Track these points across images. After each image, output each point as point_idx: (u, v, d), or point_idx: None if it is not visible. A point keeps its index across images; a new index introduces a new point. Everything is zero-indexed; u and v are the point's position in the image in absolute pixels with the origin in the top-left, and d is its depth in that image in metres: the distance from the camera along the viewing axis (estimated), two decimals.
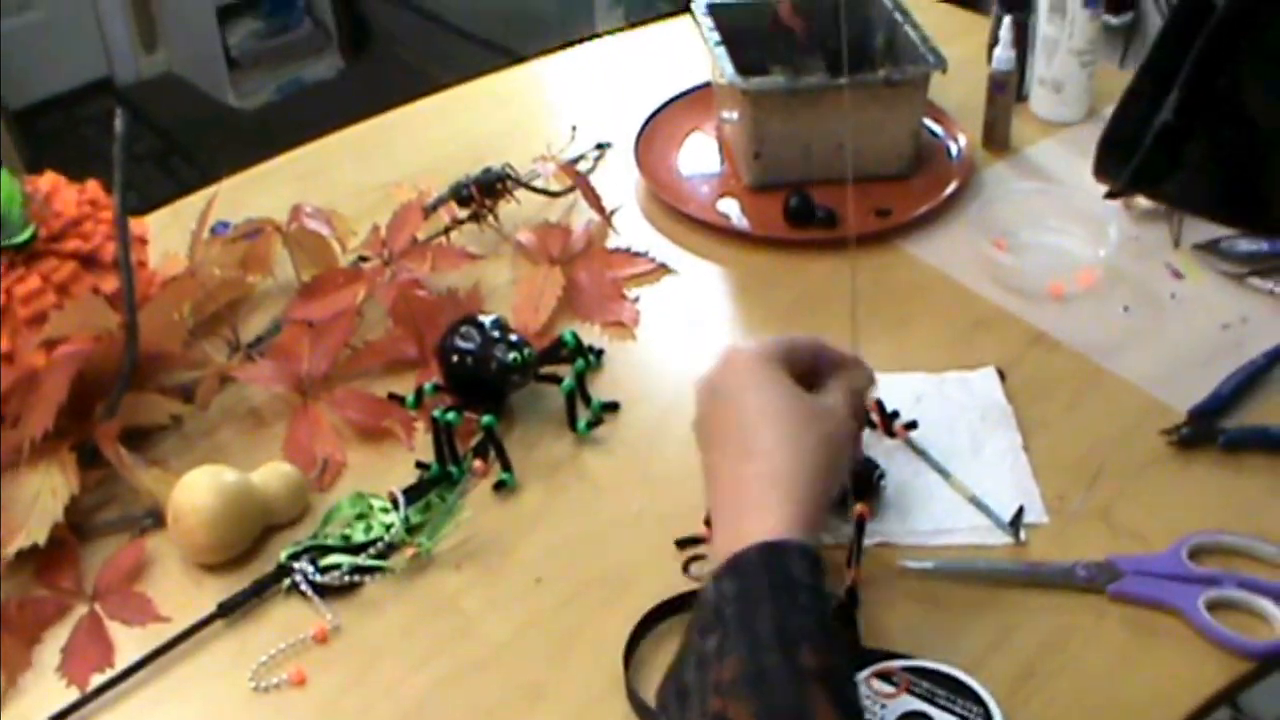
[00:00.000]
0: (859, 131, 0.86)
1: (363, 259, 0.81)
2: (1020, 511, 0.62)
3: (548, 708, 0.55)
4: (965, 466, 0.65)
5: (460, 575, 0.61)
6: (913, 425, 0.67)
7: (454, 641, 0.58)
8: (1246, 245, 0.78)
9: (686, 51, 1.04)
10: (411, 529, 0.63)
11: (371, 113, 1.02)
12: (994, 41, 0.91)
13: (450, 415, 0.66)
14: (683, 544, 0.62)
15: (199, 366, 0.72)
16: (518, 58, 1.13)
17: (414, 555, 0.61)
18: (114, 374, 0.66)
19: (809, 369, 0.55)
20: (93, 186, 0.73)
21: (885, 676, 0.53)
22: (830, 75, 0.90)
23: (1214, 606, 0.56)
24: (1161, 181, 0.54)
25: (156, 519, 0.64)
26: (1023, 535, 0.61)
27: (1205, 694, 0.54)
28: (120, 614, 0.59)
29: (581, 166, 0.92)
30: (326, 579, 0.60)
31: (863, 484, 0.61)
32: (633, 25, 1.17)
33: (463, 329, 0.69)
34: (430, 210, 0.84)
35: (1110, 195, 0.85)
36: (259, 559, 0.62)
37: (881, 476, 0.63)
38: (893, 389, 0.69)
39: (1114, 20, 1.70)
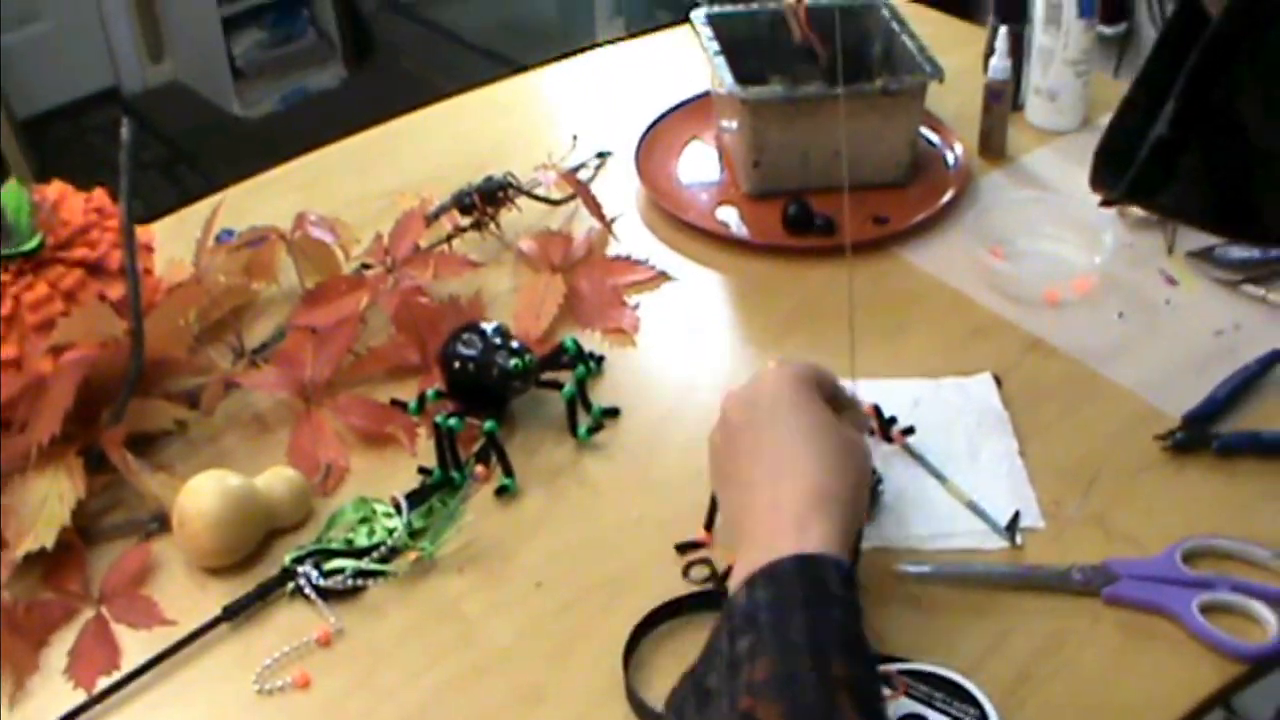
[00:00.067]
0: (857, 140, 0.87)
1: (366, 266, 0.82)
2: (1016, 516, 0.63)
3: (548, 711, 0.56)
4: (962, 471, 0.66)
5: (462, 579, 0.62)
6: (910, 431, 0.68)
7: (456, 645, 0.59)
8: (1239, 252, 0.79)
9: (686, 61, 1.05)
10: (414, 533, 0.64)
11: (374, 122, 1.03)
12: (990, 51, 0.92)
13: (452, 421, 0.67)
14: (682, 548, 0.62)
15: (204, 372, 0.73)
16: (519, 67, 1.14)
17: (416, 559, 0.62)
18: (120, 380, 0.66)
19: (828, 399, 0.57)
20: (99, 195, 0.74)
21: (883, 679, 0.54)
22: (828, 85, 0.91)
23: (1208, 609, 0.57)
24: (1157, 193, 0.55)
25: (162, 523, 0.64)
26: (1019, 539, 0.62)
27: (1199, 696, 0.54)
28: (126, 617, 0.60)
29: (582, 175, 0.92)
30: (330, 583, 0.61)
31: None
32: (633, 35, 1.18)
33: (465, 336, 0.70)
34: (433, 218, 0.85)
35: (1105, 204, 0.86)
36: (263, 563, 0.63)
37: (879, 482, 0.64)
38: (890, 395, 0.70)
39: (1108, 30, 1.72)
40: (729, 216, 0.88)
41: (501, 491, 0.66)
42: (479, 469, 0.67)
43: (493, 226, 0.86)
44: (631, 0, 2.41)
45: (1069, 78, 0.93)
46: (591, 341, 0.77)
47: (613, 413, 0.71)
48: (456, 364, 0.70)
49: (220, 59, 2.45)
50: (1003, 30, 0.91)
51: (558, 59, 1.13)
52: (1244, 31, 0.49)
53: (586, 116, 1.02)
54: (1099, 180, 0.58)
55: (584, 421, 0.70)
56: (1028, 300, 0.78)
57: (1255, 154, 0.52)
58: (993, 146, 0.93)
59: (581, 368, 0.71)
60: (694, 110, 0.98)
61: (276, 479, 0.65)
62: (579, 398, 0.71)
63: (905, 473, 0.66)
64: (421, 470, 0.68)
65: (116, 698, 0.57)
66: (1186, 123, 0.51)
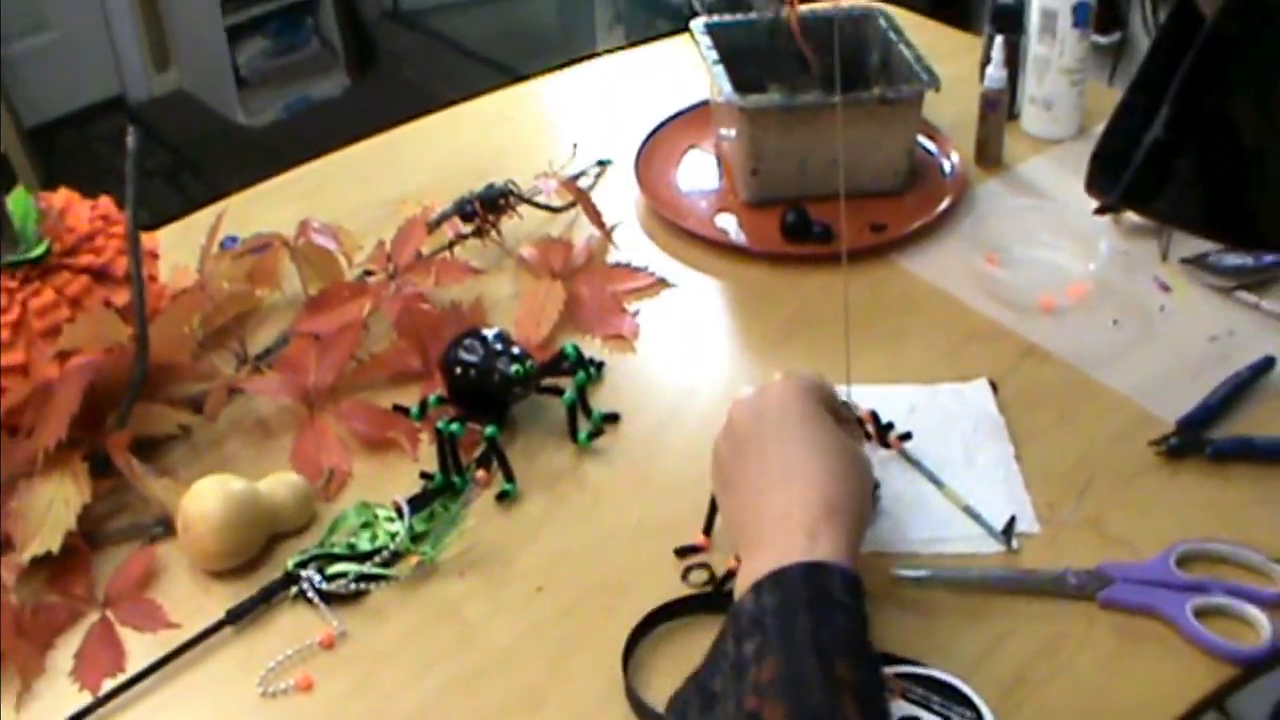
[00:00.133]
0: (854, 148, 0.88)
1: (368, 273, 0.82)
2: (1012, 520, 0.63)
3: (548, 714, 0.56)
4: (958, 476, 0.66)
5: (463, 583, 0.62)
6: (907, 436, 0.69)
7: (457, 648, 0.59)
8: (1233, 259, 0.80)
9: (685, 70, 1.06)
10: (416, 538, 0.64)
11: (377, 130, 1.04)
12: (986, 61, 0.92)
13: (454, 426, 0.67)
14: (681, 553, 0.63)
15: (208, 378, 0.73)
16: (520, 76, 1.15)
17: (418, 563, 0.62)
18: (125, 385, 0.67)
19: (830, 411, 0.58)
20: (105, 202, 0.75)
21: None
22: (826, 93, 0.92)
23: (1202, 613, 0.57)
24: (1153, 199, 0.55)
25: (166, 527, 0.65)
26: (1015, 544, 0.62)
27: (1193, 699, 0.55)
28: (131, 620, 0.60)
29: (583, 183, 0.93)
30: (333, 586, 0.61)
31: None
32: (633, 44, 1.19)
33: (466, 342, 0.71)
34: (434, 225, 0.86)
35: (1100, 211, 0.86)
36: (266, 567, 0.63)
37: (876, 486, 0.64)
38: (887, 400, 0.70)
39: (1103, 40, 1.73)
40: (728, 224, 0.89)
41: (502, 496, 0.67)
42: (480, 474, 0.68)
43: (494, 234, 0.87)
44: (631, 9, 2.42)
45: (1064, 87, 0.94)
46: (592, 347, 0.78)
47: (613, 418, 0.72)
48: (458, 370, 0.70)
49: (225, 68, 2.47)
50: (998, 40, 0.92)
51: (558, 68, 1.14)
52: (1238, 33, 0.49)
53: (587, 125, 1.03)
54: (1094, 185, 0.58)
55: (584, 427, 0.71)
56: (1023, 307, 0.79)
57: (1249, 157, 0.52)
58: (989, 155, 0.94)
59: (582, 374, 0.72)
60: (693, 119, 0.99)
61: (280, 483, 0.65)
62: (579, 403, 0.71)
63: (902, 478, 0.66)
64: (423, 475, 0.68)
65: (121, 700, 0.57)
66: (1182, 126, 0.51)
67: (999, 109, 0.92)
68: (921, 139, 0.93)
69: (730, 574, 0.61)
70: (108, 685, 0.57)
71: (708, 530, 0.63)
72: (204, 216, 0.88)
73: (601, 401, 0.73)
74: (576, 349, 0.74)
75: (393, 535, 0.64)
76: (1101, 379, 0.73)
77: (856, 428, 0.63)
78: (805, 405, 0.57)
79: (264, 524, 0.64)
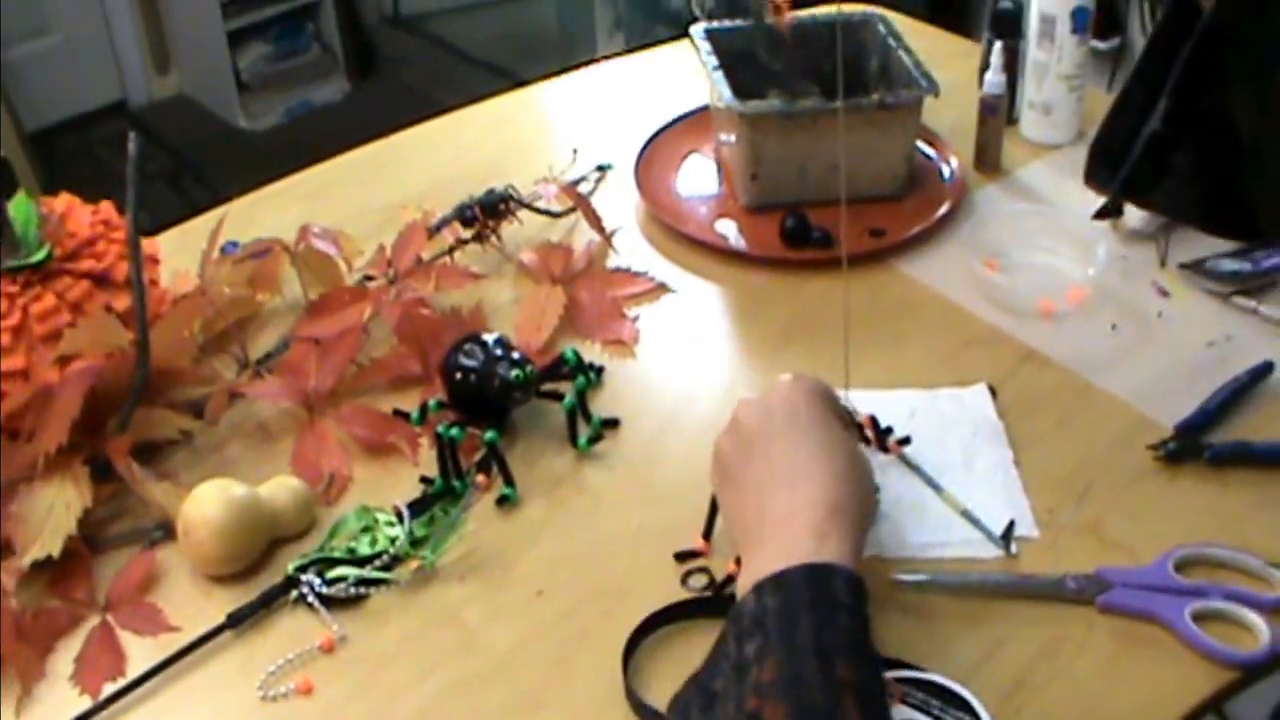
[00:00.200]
0: (854, 154, 0.88)
1: (368, 278, 0.83)
2: (1011, 525, 0.63)
3: (548, 717, 0.56)
4: (957, 481, 0.66)
5: (463, 587, 0.62)
6: (906, 441, 0.69)
7: (457, 652, 0.59)
8: (1231, 265, 0.80)
9: (685, 75, 1.06)
10: (416, 542, 0.64)
11: (377, 135, 1.04)
12: (985, 66, 0.93)
13: (454, 431, 0.67)
14: (681, 557, 0.63)
15: (208, 383, 0.74)
16: (520, 81, 1.15)
17: (418, 568, 0.62)
18: (126, 390, 0.67)
19: (834, 416, 0.58)
20: (106, 207, 0.75)
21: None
22: (825, 99, 0.92)
23: (1200, 617, 0.58)
24: (1150, 191, 0.55)
25: (167, 531, 0.65)
26: (1014, 548, 0.62)
27: (1192, 703, 0.55)
28: (131, 624, 0.61)
29: (583, 188, 0.93)
30: (333, 591, 0.61)
31: None
32: (633, 50, 1.19)
33: (466, 347, 0.71)
34: (435, 231, 0.86)
35: (1099, 215, 0.86)
36: (267, 571, 0.63)
37: (876, 491, 0.64)
38: (887, 405, 0.71)
39: (1101, 45, 1.73)
40: (727, 229, 0.89)
41: (502, 501, 0.67)
42: (480, 478, 0.68)
43: (494, 239, 0.87)
44: (631, 15, 2.43)
45: (1063, 92, 0.94)
46: (591, 352, 0.78)
47: (612, 423, 0.72)
48: (458, 374, 0.70)
49: (225, 72, 2.47)
50: (997, 45, 0.92)
51: (558, 73, 1.14)
52: (1235, 25, 0.49)
53: (587, 130, 1.03)
54: (1093, 176, 0.58)
55: (584, 432, 0.71)
56: (1022, 312, 0.79)
57: (1247, 151, 0.52)
58: (988, 160, 0.94)
59: (582, 378, 0.72)
60: (693, 124, 0.99)
61: (280, 488, 0.66)
62: (579, 408, 0.71)
63: (901, 482, 0.67)
64: (423, 480, 0.69)
65: (122, 704, 0.57)
66: (1180, 119, 0.52)
67: (998, 114, 0.92)
68: (920, 144, 0.93)
69: (730, 578, 0.61)
70: (108, 689, 0.57)
71: (707, 535, 0.63)
72: (205, 221, 0.89)
73: (601, 406, 0.73)
74: (576, 354, 0.74)
75: (393, 540, 0.64)
76: (1100, 384, 0.73)
77: (856, 432, 0.63)
78: (812, 407, 0.57)
79: (264, 528, 0.64)
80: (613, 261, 0.86)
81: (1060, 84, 0.94)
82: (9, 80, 2.23)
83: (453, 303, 0.81)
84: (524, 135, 1.04)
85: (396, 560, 0.63)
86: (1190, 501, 0.65)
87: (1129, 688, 0.56)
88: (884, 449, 0.68)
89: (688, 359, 0.78)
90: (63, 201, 0.74)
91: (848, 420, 0.61)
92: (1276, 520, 0.63)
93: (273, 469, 0.69)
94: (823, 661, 0.45)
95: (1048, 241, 0.84)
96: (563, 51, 2.53)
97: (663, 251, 0.88)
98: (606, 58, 1.18)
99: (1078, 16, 0.92)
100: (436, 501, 0.67)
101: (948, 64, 0.96)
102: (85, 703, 0.57)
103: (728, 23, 0.97)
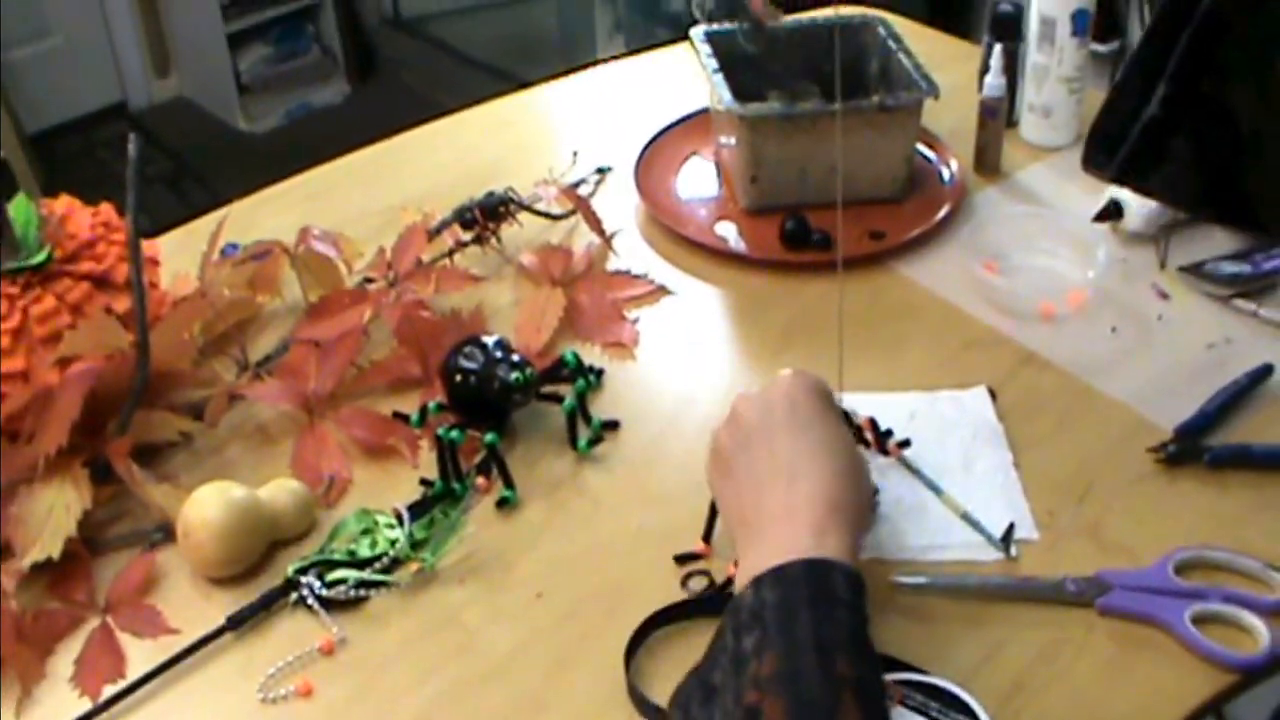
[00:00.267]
0: (854, 156, 0.88)
1: (368, 280, 0.83)
2: (1011, 528, 0.63)
3: (549, 719, 0.56)
4: (957, 483, 0.66)
5: (463, 590, 0.62)
6: (906, 444, 0.69)
7: (457, 654, 0.59)
8: (1230, 267, 0.80)
9: (685, 78, 1.06)
10: (416, 544, 0.64)
11: (377, 137, 1.04)
12: (985, 69, 0.93)
13: (454, 433, 0.67)
14: (681, 560, 0.63)
15: (208, 385, 0.74)
16: (521, 83, 1.15)
17: (418, 570, 0.62)
18: (126, 392, 0.67)
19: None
20: (106, 209, 0.75)
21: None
22: (826, 101, 0.92)
23: (1200, 620, 0.58)
24: (1149, 176, 0.55)
25: (167, 534, 0.65)
26: (1013, 551, 0.62)
27: (1191, 705, 0.55)
28: (131, 626, 0.61)
29: (583, 190, 0.94)
30: (332, 593, 0.61)
31: None
32: (633, 52, 1.19)
33: (466, 349, 0.71)
34: (435, 233, 0.86)
35: (1099, 218, 0.86)
36: (267, 573, 0.63)
37: (875, 492, 0.65)
38: (887, 407, 0.71)
39: (1101, 48, 1.73)
40: (727, 231, 0.89)
41: (502, 503, 0.67)
42: (480, 481, 0.68)
43: (494, 241, 0.87)
44: (631, 17, 2.43)
45: (1063, 95, 0.95)
46: (591, 355, 0.78)
47: (612, 425, 0.72)
48: (458, 377, 0.70)
49: (225, 74, 2.47)
50: (997, 48, 0.92)
51: (559, 75, 1.14)
52: (1235, 15, 0.49)
53: (587, 132, 1.03)
54: (1091, 161, 0.58)
55: (584, 434, 0.71)
56: (1022, 314, 0.79)
57: (1247, 142, 0.52)
58: (988, 162, 0.94)
59: (581, 381, 0.72)
60: (693, 126, 0.99)
61: (280, 490, 0.66)
62: (579, 410, 0.71)
63: (901, 485, 0.67)
64: (423, 482, 0.69)
65: (122, 706, 0.57)
66: (1178, 104, 0.52)
67: (998, 117, 0.92)
68: (920, 147, 0.93)
69: (730, 581, 0.61)
70: (108, 691, 0.57)
71: (707, 537, 0.63)
72: (205, 223, 0.89)
73: (601, 409, 0.73)
74: (576, 356, 0.74)
75: (393, 542, 0.64)
76: (1100, 386, 0.73)
77: (853, 432, 0.63)
78: (813, 402, 0.57)
79: (264, 531, 0.64)
80: (613, 264, 0.86)
81: (1060, 87, 0.94)
82: (9, 82, 2.23)
83: (453, 305, 0.81)
84: (524, 137, 1.04)
85: (396, 562, 0.63)
86: (1190, 504, 0.65)
87: (1129, 690, 0.56)
88: (884, 452, 0.68)
89: (687, 361, 0.78)
90: (63, 203, 0.74)
91: (845, 420, 0.61)
92: (1276, 523, 0.63)
93: (272, 471, 0.69)
94: (822, 657, 0.45)
95: (1047, 244, 0.84)
96: (563, 54, 2.53)
97: (662, 254, 0.88)
98: (607, 60, 1.19)
99: (1078, 19, 0.92)
100: (436, 504, 0.67)
101: (947, 66, 0.96)
102: (85, 704, 0.57)
103: (728, 25, 0.97)
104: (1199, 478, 0.66)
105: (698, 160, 0.97)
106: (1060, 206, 0.89)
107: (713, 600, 0.60)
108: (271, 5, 2.49)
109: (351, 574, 0.62)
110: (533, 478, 0.69)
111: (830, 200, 0.86)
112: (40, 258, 0.69)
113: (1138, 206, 0.84)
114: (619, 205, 0.93)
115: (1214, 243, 0.83)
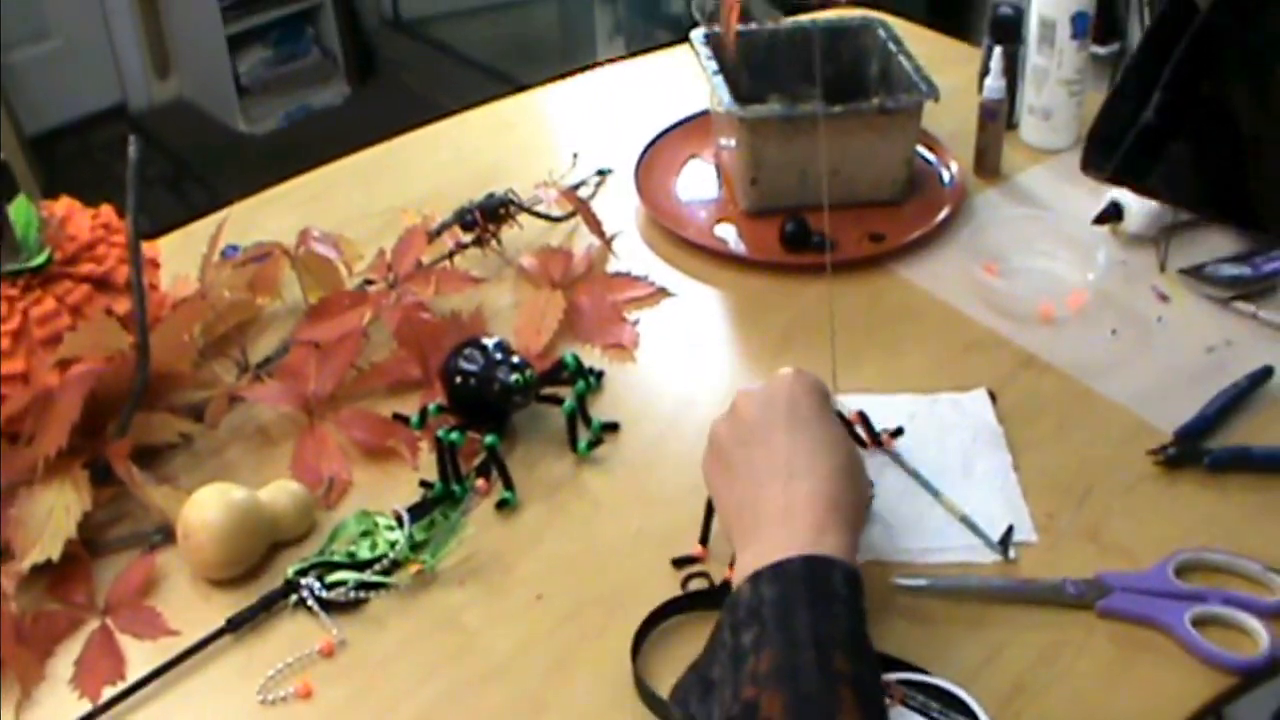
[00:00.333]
0: (854, 158, 0.88)
1: (368, 282, 0.83)
2: (1010, 530, 0.63)
3: None
4: (956, 486, 0.66)
5: (463, 591, 0.62)
6: (899, 433, 0.69)
7: (457, 656, 0.59)
8: (1230, 270, 0.80)
9: (685, 80, 1.06)
10: (415, 546, 0.64)
11: (377, 139, 1.04)
12: (985, 71, 0.93)
13: (454, 435, 0.67)
14: (679, 563, 0.63)
15: (208, 386, 0.74)
16: (521, 86, 1.15)
17: (418, 572, 0.62)
18: (126, 393, 0.67)
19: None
20: (106, 211, 0.75)
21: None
22: (827, 103, 0.92)
23: (1200, 622, 0.58)
24: (1148, 175, 0.56)
25: (166, 535, 0.65)
26: (1013, 553, 0.62)
27: (1191, 708, 0.55)
28: (131, 628, 0.61)
29: (583, 192, 0.94)
30: (332, 595, 0.61)
31: None
32: (633, 54, 1.19)
33: (466, 351, 0.71)
34: (435, 235, 0.86)
35: (1099, 220, 0.86)
36: (266, 575, 0.63)
37: (870, 489, 0.65)
38: (886, 409, 0.71)
39: (1101, 51, 1.73)
40: (727, 233, 0.89)
41: (502, 505, 0.67)
42: (480, 482, 0.68)
43: (494, 243, 0.87)
44: (631, 19, 2.43)
45: (1063, 97, 0.95)
46: (591, 357, 0.78)
47: (612, 427, 0.72)
48: (458, 379, 0.70)
49: (225, 76, 2.47)
50: (997, 50, 0.92)
51: (559, 77, 1.14)
52: (1234, 22, 0.49)
53: (587, 134, 1.03)
54: (1089, 163, 0.58)
55: (584, 436, 0.71)
56: (1022, 316, 0.79)
57: (1247, 144, 0.52)
58: (988, 165, 0.94)
59: (581, 383, 0.72)
60: (693, 129, 1.00)
61: (280, 492, 0.66)
62: (579, 412, 0.71)
63: (900, 486, 0.67)
64: (423, 484, 0.69)
65: (121, 707, 0.57)
66: (1175, 111, 0.52)
67: (998, 119, 0.92)
68: (920, 149, 0.93)
69: (727, 583, 0.61)
70: (108, 693, 0.57)
71: (704, 540, 0.63)
72: (205, 225, 0.89)
73: (601, 411, 0.74)
74: (576, 358, 0.74)
75: (392, 544, 0.64)
76: (1100, 389, 0.73)
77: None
78: (813, 400, 0.57)
79: (264, 532, 0.64)
80: (612, 266, 0.86)
81: (1060, 89, 0.94)
82: (9, 84, 2.23)
83: (452, 307, 0.81)
84: (524, 139, 1.04)
85: (396, 564, 0.63)
86: (1190, 506, 0.65)
87: (1128, 692, 0.56)
88: (877, 443, 0.68)
89: (687, 363, 0.78)
90: (63, 205, 0.74)
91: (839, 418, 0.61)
92: (1276, 525, 0.63)
93: (272, 473, 0.69)
94: (820, 653, 0.45)
95: (1047, 246, 0.84)
96: (563, 56, 2.53)
97: (662, 256, 0.88)
98: (607, 62, 1.19)
99: (1077, 21, 0.92)
100: (436, 505, 0.67)
101: (947, 69, 0.96)
102: (85, 706, 0.57)
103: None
104: (1199, 480, 0.66)
105: (698, 162, 0.97)
106: (1060, 209, 0.89)
107: (715, 593, 0.60)
108: (271, 7, 2.49)
109: (351, 576, 0.62)
110: (532, 480, 0.69)
111: (831, 202, 0.87)
112: (40, 259, 0.69)
113: (1138, 209, 0.84)
114: (619, 207, 0.93)
115: (1214, 245, 0.83)
